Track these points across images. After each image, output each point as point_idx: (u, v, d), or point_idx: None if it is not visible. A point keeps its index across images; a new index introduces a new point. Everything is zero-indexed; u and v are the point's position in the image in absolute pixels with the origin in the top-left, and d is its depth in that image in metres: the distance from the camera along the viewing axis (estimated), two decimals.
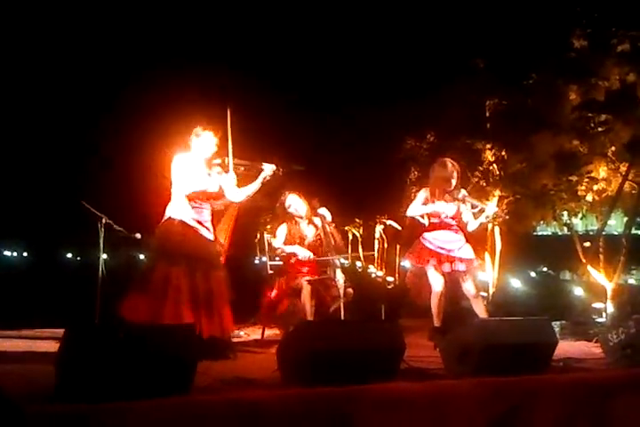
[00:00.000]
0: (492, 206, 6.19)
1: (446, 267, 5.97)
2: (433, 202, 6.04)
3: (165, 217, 5.31)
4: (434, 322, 6.02)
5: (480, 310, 5.95)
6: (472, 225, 6.13)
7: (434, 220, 6.12)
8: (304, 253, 6.20)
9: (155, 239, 5.39)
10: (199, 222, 5.28)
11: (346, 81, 13.35)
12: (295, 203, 6.28)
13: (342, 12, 12.88)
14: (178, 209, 5.26)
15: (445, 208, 6.05)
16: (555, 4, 8.03)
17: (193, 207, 5.26)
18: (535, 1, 8.44)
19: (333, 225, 6.34)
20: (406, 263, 6.31)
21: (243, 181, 5.47)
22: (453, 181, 6.02)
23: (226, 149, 5.33)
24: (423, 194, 6.12)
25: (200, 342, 4.67)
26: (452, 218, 6.09)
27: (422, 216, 6.18)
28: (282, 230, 6.32)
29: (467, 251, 6.08)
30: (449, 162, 6.08)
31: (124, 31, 13.27)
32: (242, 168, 5.43)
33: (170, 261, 5.17)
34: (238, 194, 5.44)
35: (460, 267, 5.98)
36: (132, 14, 13.06)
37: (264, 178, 5.40)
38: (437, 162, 6.17)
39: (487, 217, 6.05)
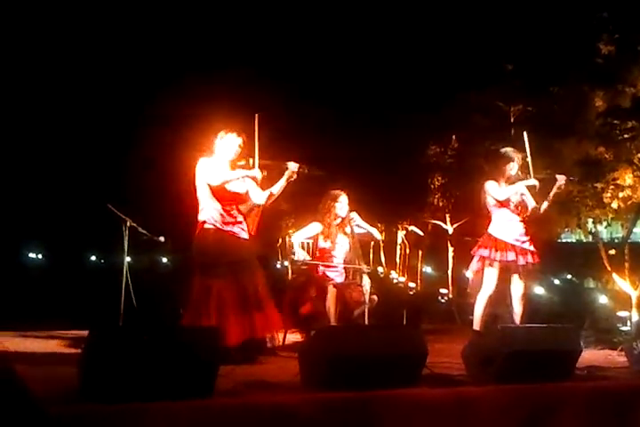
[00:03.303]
0: (560, 176, 6.00)
1: (522, 260, 5.83)
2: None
3: (199, 227, 5.29)
4: (474, 325, 5.84)
5: (519, 313, 5.83)
6: (542, 205, 5.95)
7: (504, 211, 5.96)
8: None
9: (194, 252, 5.35)
10: (233, 224, 5.29)
11: (369, 86, 13.35)
12: (345, 202, 6.26)
13: (369, 18, 12.91)
14: (209, 215, 5.24)
15: (512, 197, 5.95)
16: (582, 9, 7.99)
17: (223, 209, 5.26)
18: (562, 7, 8.39)
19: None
20: (473, 261, 6.01)
21: (267, 183, 5.43)
22: (517, 167, 5.93)
23: (249, 151, 5.32)
24: (493, 183, 5.92)
25: (246, 345, 4.87)
26: (517, 207, 5.96)
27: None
28: (314, 227, 6.27)
29: (532, 244, 5.97)
30: (509, 149, 6.02)
31: (154, 40, 13.42)
32: (265, 172, 5.38)
33: (212, 274, 5.18)
34: (263, 195, 5.40)
35: (531, 259, 5.86)
36: (167, 24, 13.25)
37: (289, 176, 5.31)
38: (497, 152, 6.10)
39: (559, 187, 5.88)
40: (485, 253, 5.88)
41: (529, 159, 5.90)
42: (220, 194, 5.25)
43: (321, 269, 6.22)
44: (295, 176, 5.33)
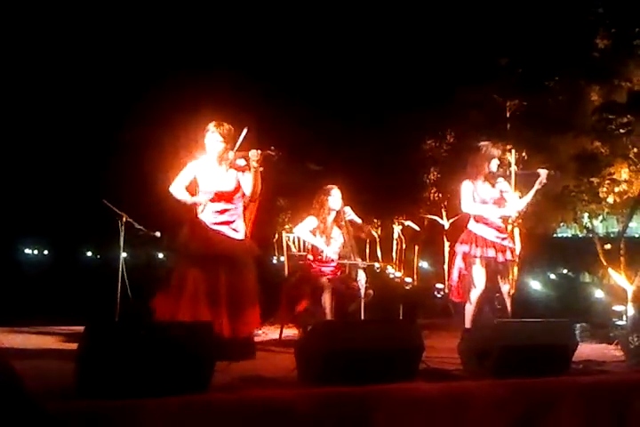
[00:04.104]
0: (543, 171, 5.88)
1: (501, 257, 5.81)
2: (476, 191, 5.85)
3: (190, 219, 5.32)
4: (466, 323, 5.81)
5: (507, 310, 5.82)
6: (523, 201, 5.93)
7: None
8: (329, 251, 6.18)
9: (177, 241, 5.38)
10: (223, 223, 5.28)
11: (365, 82, 13.36)
12: (337, 195, 6.28)
13: (365, 15, 12.91)
14: (201, 213, 5.27)
15: (490, 193, 5.90)
16: (578, 4, 7.98)
17: (213, 209, 5.26)
18: (558, 1, 8.38)
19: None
20: (457, 258, 5.98)
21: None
22: (495, 162, 5.91)
23: (233, 144, 5.27)
24: (468, 185, 5.88)
25: (220, 342, 4.72)
26: (495, 203, 5.92)
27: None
28: (311, 221, 6.29)
29: (511, 241, 5.96)
30: (488, 144, 5.99)
31: (144, 39, 13.42)
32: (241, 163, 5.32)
33: (190, 262, 5.19)
34: (250, 187, 5.30)
35: (509, 256, 5.86)
36: (157, 23, 13.26)
37: (254, 161, 5.14)
38: (476, 147, 6.06)
39: (541, 182, 5.80)
40: (466, 248, 5.87)
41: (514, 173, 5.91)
42: (205, 193, 5.27)
43: (316, 264, 6.23)
44: (257, 162, 5.15)
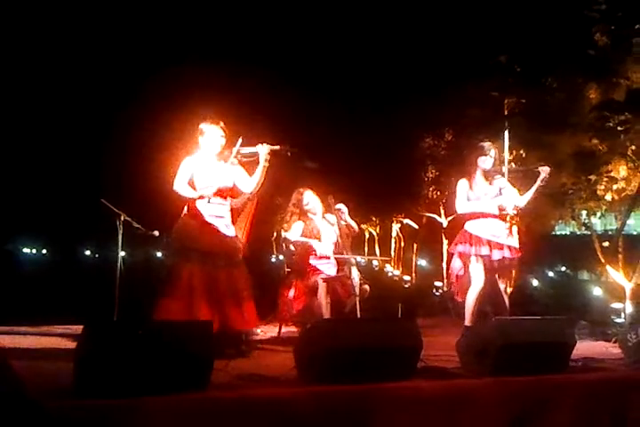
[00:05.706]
0: (544, 168, 5.88)
1: (496, 254, 5.79)
2: (471, 188, 5.87)
3: (182, 216, 5.33)
4: (466, 321, 5.81)
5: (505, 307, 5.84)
6: (524, 198, 5.92)
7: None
8: (322, 249, 6.20)
9: (172, 237, 5.39)
10: (218, 217, 5.28)
11: (364, 79, 13.35)
12: (312, 199, 6.32)
13: (364, 8, 12.89)
14: (193, 209, 5.27)
15: (487, 190, 5.90)
16: (577, 1, 7.97)
17: (207, 205, 5.25)
18: None
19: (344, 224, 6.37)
20: (454, 259, 6.02)
21: (251, 170, 5.39)
22: (491, 160, 5.92)
23: (233, 141, 5.29)
24: (463, 184, 5.91)
25: (217, 339, 4.72)
26: (492, 200, 5.91)
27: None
28: (298, 226, 6.33)
29: (514, 239, 5.93)
30: (485, 143, 6.00)
31: (139, 35, 13.42)
32: (244, 159, 5.35)
33: (185, 258, 5.19)
34: (250, 184, 5.34)
35: (507, 254, 5.84)
36: (146, 18, 13.25)
37: (265, 160, 5.21)
38: (472, 145, 6.09)
39: (543, 179, 5.81)
40: (461, 248, 5.90)
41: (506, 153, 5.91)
42: (204, 190, 5.26)
43: (312, 262, 6.24)
44: (268, 157, 5.23)
